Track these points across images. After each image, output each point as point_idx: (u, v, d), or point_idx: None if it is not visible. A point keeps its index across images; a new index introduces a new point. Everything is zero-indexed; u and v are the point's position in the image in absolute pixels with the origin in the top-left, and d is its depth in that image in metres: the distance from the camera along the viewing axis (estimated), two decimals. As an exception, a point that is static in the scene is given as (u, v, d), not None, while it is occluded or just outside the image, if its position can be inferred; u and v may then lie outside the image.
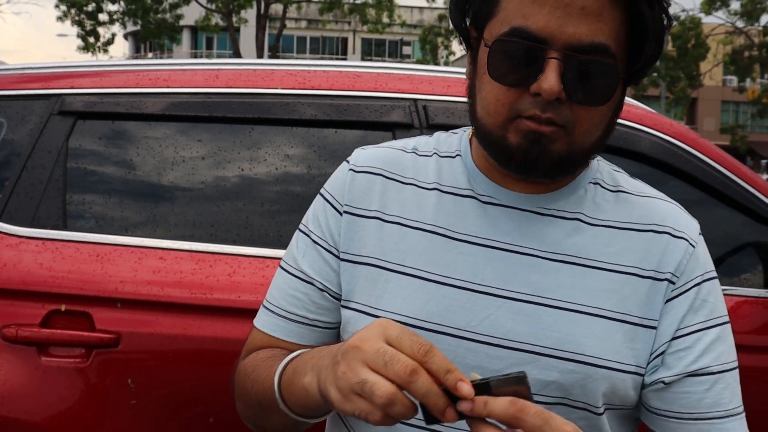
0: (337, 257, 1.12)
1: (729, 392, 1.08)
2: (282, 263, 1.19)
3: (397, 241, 1.10)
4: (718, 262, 2.34)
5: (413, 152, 1.18)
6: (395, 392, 0.80)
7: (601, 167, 1.17)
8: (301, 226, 1.19)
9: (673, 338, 1.08)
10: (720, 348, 1.08)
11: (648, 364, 1.08)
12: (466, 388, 0.79)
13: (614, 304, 1.07)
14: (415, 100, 2.16)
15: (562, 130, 1.01)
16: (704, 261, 1.12)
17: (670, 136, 2.28)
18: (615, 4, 0.98)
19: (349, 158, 1.19)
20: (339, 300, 1.13)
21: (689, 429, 1.08)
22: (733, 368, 1.10)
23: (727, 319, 1.11)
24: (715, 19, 37.90)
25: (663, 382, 1.07)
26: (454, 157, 1.16)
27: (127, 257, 1.93)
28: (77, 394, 1.84)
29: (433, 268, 1.08)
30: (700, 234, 1.14)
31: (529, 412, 0.79)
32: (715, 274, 1.13)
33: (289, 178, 2.10)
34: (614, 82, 1.02)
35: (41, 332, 1.85)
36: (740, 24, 37.71)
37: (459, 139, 1.19)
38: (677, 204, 1.17)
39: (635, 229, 1.11)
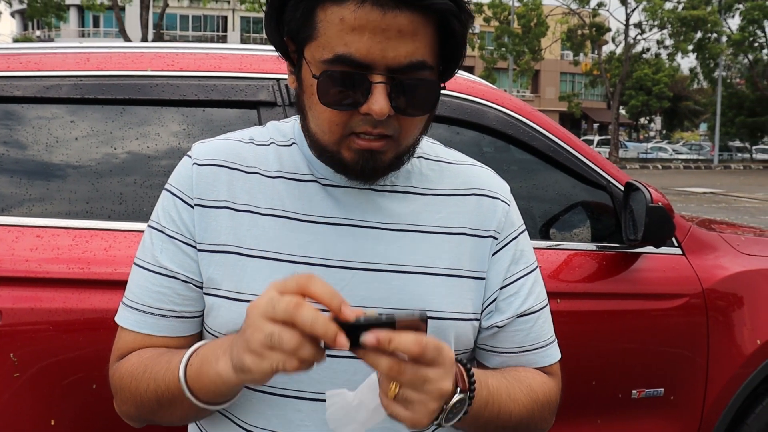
0: (195, 248, 1.08)
1: (547, 325, 1.17)
2: (138, 261, 1.11)
3: (250, 228, 1.07)
4: (553, 220, 2.43)
5: (251, 142, 1.14)
6: (299, 336, 0.81)
7: (422, 143, 1.16)
8: (151, 223, 1.12)
9: (503, 287, 1.13)
10: (537, 289, 1.16)
11: (483, 311, 1.13)
12: (348, 311, 0.81)
13: (451, 262, 1.10)
14: (278, 79, 2.11)
15: (390, 140, 1.01)
16: (517, 216, 1.18)
17: (510, 110, 2.31)
18: (427, 22, 0.96)
19: (189, 153, 1.13)
20: (201, 288, 1.09)
21: (519, 360, 1.15)
22: (547, 305, 1.18)
23: (537, 264, 1.19)
24: (553, 1, 39.06)
25: (497, 326, 1.13)
26: (290, 146, 1.13)
27: (5, 236, 1.81)
28: (-42, 370, 1.72)
29: (288, 250, 1.06)
30: (510, 193, 1.19)
31: (429, 347, 0.83)
32: (524, 227, 1.19)
33: (160, 154, 2.01)
34: (435, 92, 1.01)
35: None
36: (574, 6, 39.00)
37: (291, 127, 1.16)
38: (489, 168, 1.21)
39: (459, 194, 1.14)
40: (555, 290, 2.14)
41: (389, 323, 0.81)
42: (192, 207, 1.08)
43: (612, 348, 2.31)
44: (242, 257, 1.06)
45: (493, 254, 1.13)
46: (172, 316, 1.09)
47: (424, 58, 0.97)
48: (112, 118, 2.01)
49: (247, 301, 0.97)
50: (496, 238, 1.13)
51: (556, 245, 2.30)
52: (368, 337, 0.80)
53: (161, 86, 2.04)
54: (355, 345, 0.81)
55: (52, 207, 1.90)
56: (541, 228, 2.41)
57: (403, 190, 1.12)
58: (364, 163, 1.01)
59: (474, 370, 0.97)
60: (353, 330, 0.81)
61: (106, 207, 1.92)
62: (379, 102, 0.96)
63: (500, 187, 1.18)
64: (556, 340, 1.19)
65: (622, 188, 2.35)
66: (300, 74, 1.03)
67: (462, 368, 0.95)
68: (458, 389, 0.91)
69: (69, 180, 1.94)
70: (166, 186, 1.12)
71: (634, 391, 2.33)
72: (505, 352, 1.15)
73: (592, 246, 2.34)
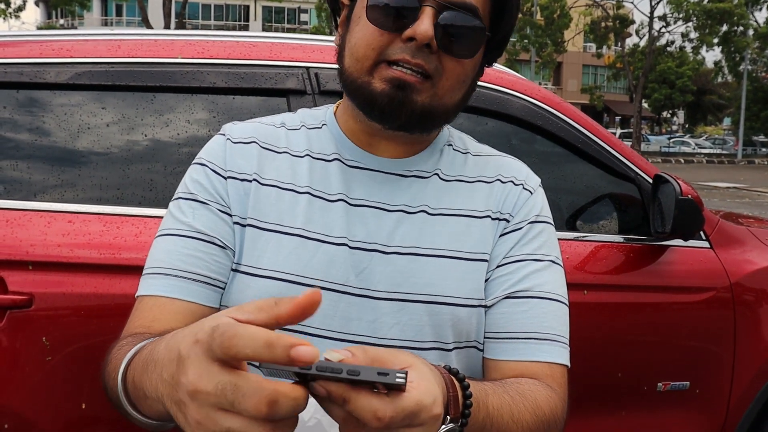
0: (230, 216, 1.05)
1: (551, 319, 1.05)
2: (164, 231, 1.04)
3: (274, 202, 1.05)
4: (580, 211, 2.42)
5: (282, 126, 1.14)
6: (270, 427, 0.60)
7: (452, 133, 1.18)
8: (178, 195, 1.07)
9: (498, 266, 1.07)
10: (545, 278, 1.07)
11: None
12: (305, 355, 0.57)
13: (472, 245, 1.06)
14: (307, 68, 2.10)
15: (427, 82, 0.99)
16: (541, 207, 1.12)
17: (537, 100, 2.29)
18: None
19: (221, 131, 1.12)
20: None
21: (507, 349, 1.05)
22: (559, 301, 1.07)
23: (558, 261, 1.10)
24: (577, -7, 38.71)
25: (486, 306, 1.06)
26: (320, 128, 1.13)
27: (37, 221, 1.81)
28: (-7, 353, 1.74)
29: (312, 227, 1.04)
30: (540, 186, 1.15)
31: (395, 418, 0.65)
32: (551, 221, 1.13)
33: (191, 141, 2.01)
34: (480, 40, 1.02)
35: (-45, 295, 1.73)
36: (598, -3, 38.50)
37: (324, 112, 1.16)
38: (520, 161, 1.18)
39: (484, 181, 1.12)
40: (582, 281, 2.15)
41: (350, 380, 0.63)
42: (225, 179, 1.06)
43: (638, 340, 2.29)
44: (264, 232, 1.03)
45: (501, 235, 1.09)
46: (206, 282, 1.02)
47: (477, 5, 0.99)
48: (143, 106, 2.01)
49: (266, 277, 0.99)
50: (508, 221, 1.09)
51: (582, 236, 2.28)
52: (318, 388, 0.64)
53: (192, 74, 2.04)
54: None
55: (84, 193, 1.91)
56: (568, 219, 2.39)
57: (429, 175, 1.10)
58: (393, 93, 0.98)
59: (473, 385, 0.84)
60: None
61: (136, 193, 1.93)
62: (424, 24, 0.96)
63: (528, 176, 1.15)
64: (566, 345, 1.06)
65: (651, 180, 2.33)
66: (349, 17, 1.05)
67: (458, 385, 0.81)
68: (448, 418, 0.77)
69: (100, 166, 1.95)
70: (195, 160, 1.09)
71: (659, 384, 2.31)
72: (491, 338, 1.06)
73: (619, 238, 2.31)
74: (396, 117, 1.00)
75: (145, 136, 2.00)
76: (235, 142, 1.09)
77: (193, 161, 1.10)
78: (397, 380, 0.62)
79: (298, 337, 0.58)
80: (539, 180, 1.17)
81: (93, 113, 1.98)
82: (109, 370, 0.88)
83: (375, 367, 0.62)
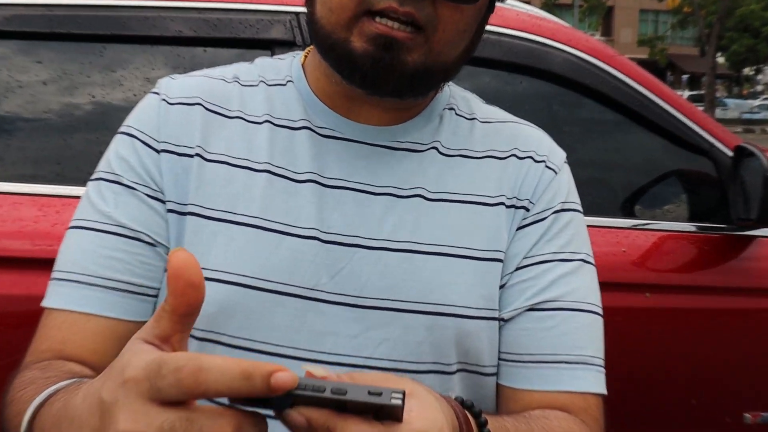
0: (164, 204, 1.03)
1: (584, 337, 1.05)
2: (77, 223, 1.03)
3: (223, 183, 1.03)
4: (639, 192, 2.40)
5: (235, 81, 1.11)
6: None
7: (454, 93, 1.17)
8: (99, 174, 1.05)
9: (518, 268, 1.06)
10: (575, 284, 1.06)
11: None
12: (284, 381, 0.57)
13: (482, 240, 1.05)
14: (296, 13, 2.08)
15: (419, 36, 0.96)
16: (567, 190, 1.12)
17: (584, 52, 2.27)
18: None
19: (155, 89, 1.10)
20: None
21: (530, 376, 1.04)
22: (591, 311, 1.07)
23: (589, 258, 1.09)
24: None
25: (503, 318, 1.05)
26: (284, 85, 1.11)
27: (-45, 204, 1.79)
28: None
29: (272, 215, 1.02)
30: (565, 163, 1.14)
31: None
32: (579, 207, 1.12)
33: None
34: None
35: None
36: (661, -76, 38.17)
37: (289, 64, 1.14)
38: (540, 130, 1.17)
39: (495, 157, 1.11)
40: (642, 281, 2.13)
41: (335, 402, 0.62)
42: (158, 152, 1.04)
43: (717, 357, 2.23)
44: (211, 222, 1.02)
45: (519, 228, 1.08)
46: (128, 291, 1.01)
47: None
48: (89, 60, 1.98)
49: (213, 281, 0.96)
50: (528, 210, 1.08)
51: (643, 225, 2.25)
52: (294, 416, 0.62)
53: (151, 20, 2.01)
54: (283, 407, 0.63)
55: (13, 169, 1.88)
56: (624, 203, 2.37)
57: (426, 148, 1.09)
58: (378, 54, 0.96)
59: (491, 421, 0.84)
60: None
61: (82, 169, 1.87)
62: None
63: (551, 150, 1.14)
64: (602, 368, 1.06)
65: (731, 154, 2.29)
66: None
67: (473, 422, 0.82)
68: None
69: (36, 135, 1.92)
70: (122, 128, 1.07)
71: (746, 415, 2.26)
72: (512, 361, 1.06)
73: (689, 226, 2.29)
74: (382, 82, 0.99)
75: (93, 98, 1.96)
76: (172, 103, 1.07)
77: (120, 129, 1.08)
78: (393, 401, 0.61)
79: (249, 357, 0.58)
80: (564, 154, 1.16)
81: (25, 68, 1.95)
82: (11, 412, 0.86)
83: (365, 385, 0.61)
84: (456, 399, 0.82)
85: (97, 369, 0.92)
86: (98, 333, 0.98)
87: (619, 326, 1.92)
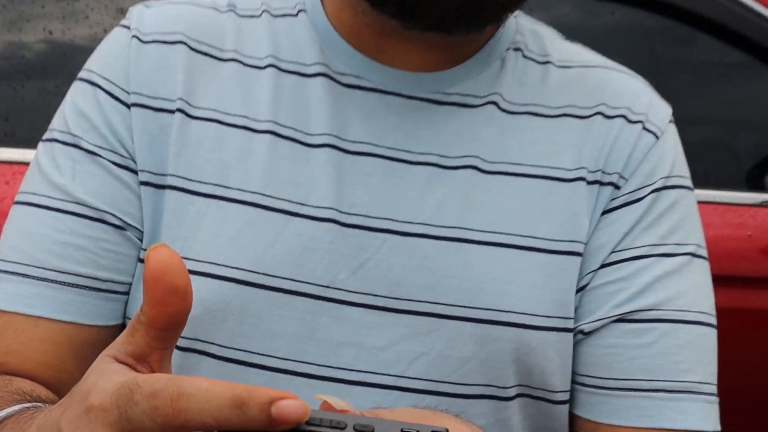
0: (135, 174, 0.97)
1: (690, 356, 0.99)
2: (26, 198, 0.98)
3: (214, 148, 0.98)
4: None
5: (230, 11, 1.05)
6: None
7: (522, 26, 1.10)
8: (51, 135, 1.01)
9: (604, 265, 1.00)
10: (681, 286, 1.00)
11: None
12: (288, 410, 0.54)
13: (555, 227, 1.00)
14: None
15: None
16: (672, 161, 1.04)
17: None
18: None
19: (125, 21, 1.03)
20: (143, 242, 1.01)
21: (618, 408, 0.99)
22: (702, 323, 1.00)
23: (700, 251, 1.02)
24: None
25: (582, 331, 1.00)
26: (295, 15, 1.05)
27: None
28: None
29: (275, 190, 0.97)
30: (671, 122, 1.07)
31: None
32: (689, 182, 1.06)
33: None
34: None
35: None
36: None
37: None
38: (639, 77, 1.11)
39: (575, 115, 1.04)
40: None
41: None
42: (128, 107, 0.98)
43: None
44: (196, 198, 0.97)
45: (606, 211, 1.01)
46: (90, 287, 0.96)
47: None
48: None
49: (200, 275, 0.95)
50: (618, 187, 1.01)
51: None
52: None
53: None
54: None
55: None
56: (751, 172, 2.27)
57: (482, 102, 1.01)
58: None
59: None
60: None
61: (37, 128, 1.66)
62: None
63: (651, 106, 1.05)
64: (714, 397, 0.99)
65: None
66: None
67: None
68: None
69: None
70: (81, 74, 1.02)
71: None
72: (593, 387, 1.00)
73: None
74: (425, 10, 0.92)
75: (49, 34, 1.91)
76: (146, 41, 1.00)
77: (79, 74, 1.03)
78: None
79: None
80: (669, 111, 1.07)
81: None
82: None
83: (397, 422, 0.57)
84: None
85: (52, 387, 0.92)
86: (50, 341, 0.95)
87: (740, 333, 1.94)
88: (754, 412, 2.01)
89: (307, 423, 0.54)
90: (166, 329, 0.56)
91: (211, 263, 0.95)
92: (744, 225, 2.07)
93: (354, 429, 0.55)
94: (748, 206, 2.11)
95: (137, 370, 0.58)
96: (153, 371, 0.59)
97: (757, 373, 2.03)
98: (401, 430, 0.56)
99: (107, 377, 0.56)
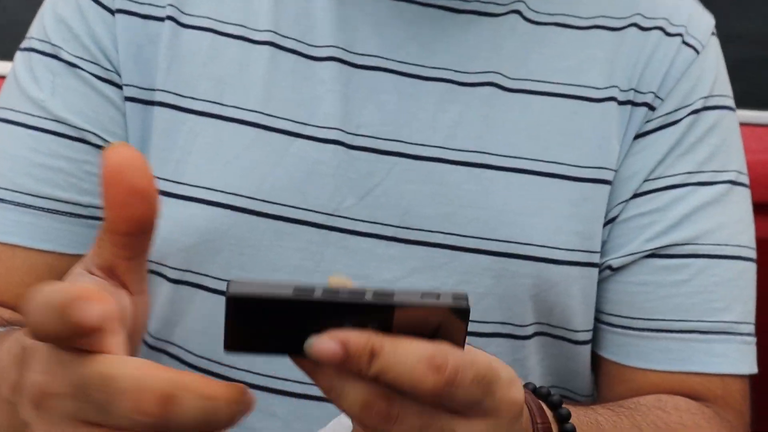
0: (120, 89, 0.96)
1: (727, 294, 0.98)
2: (0, 114, 0.98)
3: (208, 61, 0.96)
4: None
5: None
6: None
7: None
8: (29, 44, 0.99)
9: (636, 195, 0.98)
10: (719, 218, 0.99)
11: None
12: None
13: (582, 152, 0.97)
14: None
15: None
16: (714, 78, 1.01)
17: None
18: None
19: None
20: None
21: (647, 350, 0.98)
22: (741, 257, 0.99)
23: (741, 178, 1.01)
24: None
25: (610, 267, 0.99)
26: None
27: None
28: None
29: (276, 108, 0.95)
30: (713, 35, 1.04)
31: (465, 378, 0.56)
32: (731, 102, 1.03)
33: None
34: None
35: None
36: None
37: None
38: None
39: (607, 27, 1.02)
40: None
41: (380, 307, 0.56)
42: (112, 13, 0.96)
43: None
44: (188, 115, 0.95)
45: (639, 135, 0.98)
46: (71, 213, 0.95)
47: None
48: None
49: (192, 200, 0.94)
50: (654, 108, 0.98)
51: None
52: (323, 344, 0.54)
53: None
54: (297, 350, 0.57)
55: None
56: None
57: (505, 11, 0.99)
58: None
59: (576, 414, 0.77)
60: (304, 317, 0.56)
61: (16, 37, 1.61)
62: None
63: (691, 17, 1.03)
64: (752, 336, 0.98)
65: None
66: None
67: (551, 414, 0.74)
68: None
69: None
70: None
71: None
72: (617, 325, 0.99)
73: None
74: None
75: None
76: None
77: None
78: (457, 302, 0.56)
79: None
80: (712, 22, 1.04)
81: None
82: None
83: (415, 289, 0.57)
84: (527, 386, 0.77)
85: None
86: (29, 271, 0.95)
87: None
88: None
89: (325, 292, 0.54)
90: (128, 234, 0.52)
91: (205, 188, 0.93)
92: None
93: (374, 294, 0.55)
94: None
95: (108, 283, 0.55)
96: (124, 284, 0.55)
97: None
98: (421, 294, 0.56)
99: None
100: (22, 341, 0.57)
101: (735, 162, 1.02)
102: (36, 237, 0.95)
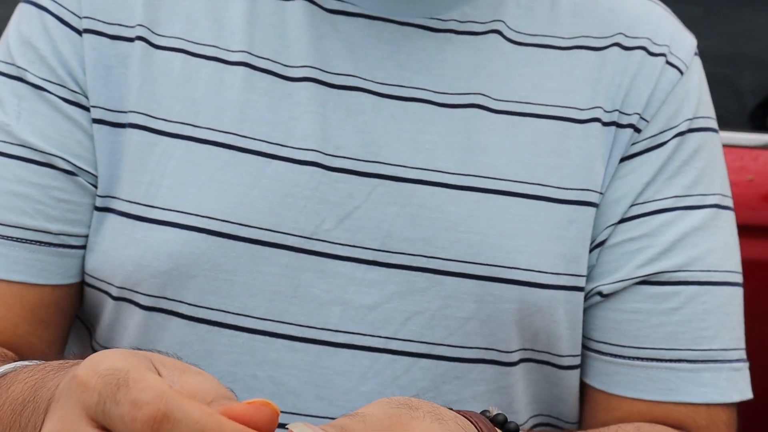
0: (87, 111, 0.94)
1: (715, 321, 0.97)
2: None
3: (181, 82, 0.95)
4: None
5: None
6: None
7: None
8: None
9: (624, 219, 0.98)
10: (708, 243, 0.98)
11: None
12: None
13: (566, 174, 0.97)
14: None
15: None
16: (697, 99, 1.01)
17: None
18: None
19: None
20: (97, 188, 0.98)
21: (635, 379, 0.98)
22: (729, 283, 0.98)
23: (725, 201, 1.01)
24: None
25: (600, 293, 0.98)
26: None
27: None
28: None
29: (251, 129, 0.94)
30: (696, 55, 1.04)
31: None
32: (715, 124, 1.03)
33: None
34: None
35: None
36: None
37: None
38: (659, 2, 1.08)
39: (589, 47, 1.01)
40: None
41: None
42: (80, 33, 0.95)
43: None
44: (161, 138, 0.94)
45: (625, 158, 0.98)
46: (40, 242, 0.94)
47: None
48: None
49: (166, 224, 0.94)
50: (639, 130, 0.97)
51: None
52: None
53: None
54: None
55: None
56: (754, 111, 2.26)
57: (484, 30, 0.99)
58: None
59: None
60: None
61: None
62: None
63: (674, 36, 1.02)
64: (743, 362, 0.98)
65: None
66: None
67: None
68: None
69: None
70: None
71: None
72: (610, 355, 0.98)
73: None
74: None
75: None
76: None
77: None
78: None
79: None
80: (694, 43, 1.04)
81: None
82: None
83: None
84: (483, 413, 0.75)
85: (10, 351, 0.92)
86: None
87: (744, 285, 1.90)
88: (754, 368, 1.94)
89: None
90: None
91: (178, 212, 0.91)
92: (745, 169, 2.03)
93: None
94: (750, 148, 2.06)
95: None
96: None
97: (755, 326, 1.92)
98: None
99: (105, 352, 0.55)
100: (45, 381, 0.61)
101: (719, 185, 1.02)
102: (4, 268, 0.93)
